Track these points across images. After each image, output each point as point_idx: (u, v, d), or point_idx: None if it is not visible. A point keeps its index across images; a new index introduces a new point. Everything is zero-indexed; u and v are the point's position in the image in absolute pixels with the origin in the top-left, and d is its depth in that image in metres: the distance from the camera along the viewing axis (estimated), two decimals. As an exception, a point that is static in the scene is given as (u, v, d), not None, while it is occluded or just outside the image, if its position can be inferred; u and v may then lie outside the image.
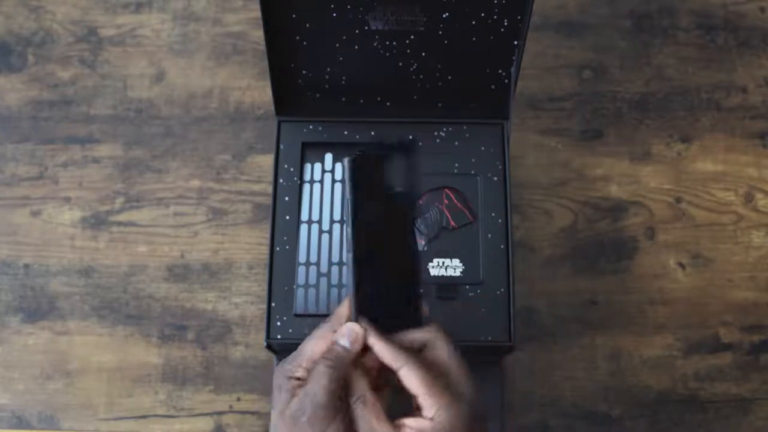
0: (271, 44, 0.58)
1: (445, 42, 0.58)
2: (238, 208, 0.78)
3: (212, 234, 0.78)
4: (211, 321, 0.75)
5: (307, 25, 0.57)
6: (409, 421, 0.44)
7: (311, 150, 0.63)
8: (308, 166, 0.63)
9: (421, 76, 0.61)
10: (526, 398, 0.72)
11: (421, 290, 0.48)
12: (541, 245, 0.77)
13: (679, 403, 0.73)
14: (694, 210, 0.78)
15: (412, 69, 0.60)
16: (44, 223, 0.78)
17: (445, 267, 0.60)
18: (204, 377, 0.73)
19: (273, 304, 0.59)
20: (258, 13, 0.55)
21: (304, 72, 0.61)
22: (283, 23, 0.56)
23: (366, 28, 0.57)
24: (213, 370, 0.74)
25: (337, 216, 0.61)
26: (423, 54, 0.59)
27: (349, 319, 0.47)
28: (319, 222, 0.61)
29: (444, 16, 0.56)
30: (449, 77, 0.61)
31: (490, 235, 0.60)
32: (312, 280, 0.60)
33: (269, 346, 0.59)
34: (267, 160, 0.80)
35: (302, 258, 0.60)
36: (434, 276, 0.60)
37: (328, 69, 0.61)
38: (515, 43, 0.58)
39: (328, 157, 0.63)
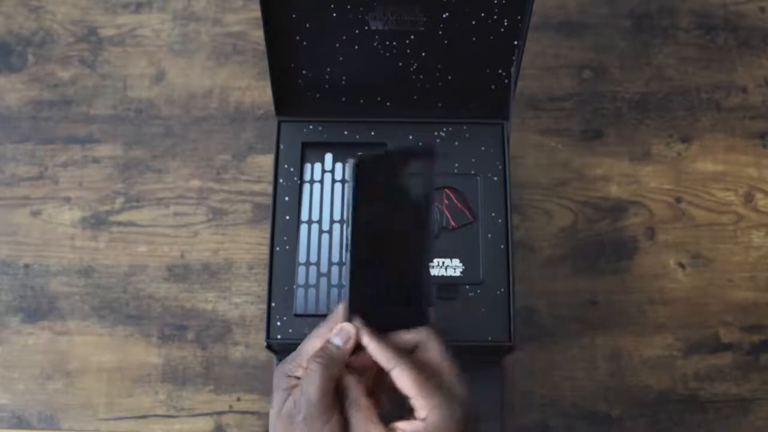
0: (271, 44, 0.58)
1: (445, 42, 0.58)
2: (238, 208, 0.78)
3: (212, 234, 0.78)
4: (211, 321, 0.75)
5: (307, 25, 0.57)
6: (402, 425, 0.44)
7: (311, 150, 0.63)
8: (308, 166, 0.63)
9: (421, 76, 0.61)
10: (526, 398, 0.72)
11: (427, 293, 0.48)
12: (541, 245, 0.77)
13: (679, 403, 0.73)
14: (694, 210, 0.78)
15: (412, 69, 0.60)
16: (44, 223, 0.78)
17: (445, 267, 0.60)
18: (204, 377, 0.73)
19: (273, 304, 0.59)
20: (258, 13, 0.55)
21: (304, 72, 0.61)
22: (283, 23, 0.56)
23: (366, 28, 0.57)
24: (213, 370, 0.74)
25: (337, 216, 0.61)
26: (423, 54, 0.59)
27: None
28: (319, 222, 0.61)
29: (444, 16, 0.56)
30: (449, 77, 0.61)
31: (490, 235, 0.60)
32: (312, 280, 0.60)
33: (269, 346, 0.59)
34: (267, 160, 0.80)
35: (302, 258, 0.60)
36: (434, 276, 0.60)
37: (328, 69, 0.61)
38: (515, 43, 0.58)
39: (328, 157, 0.63)
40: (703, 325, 0.75)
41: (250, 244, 0.77)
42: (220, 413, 0.73)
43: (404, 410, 0.45)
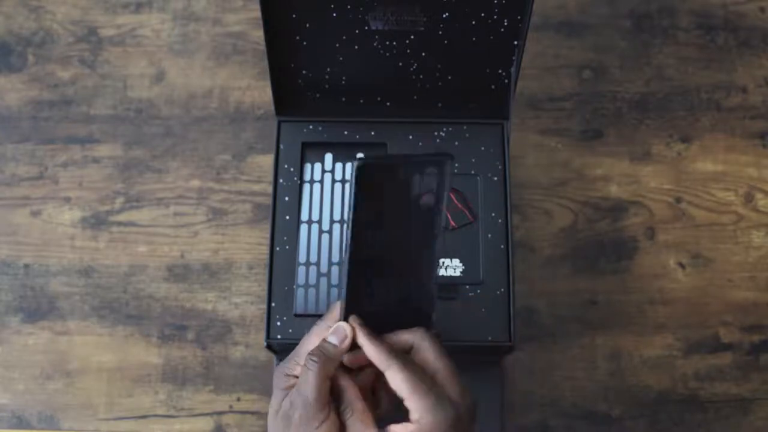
0: (271, 44, 0.58)
1: (445, 42, 0.58)
2: (238, 208, 0.78)
3: (212, 234, 0.78)
4: (211, 321, 0.75)
5: (307, 25, 0.57)
6: (396, 428, 0.44)
7: (311, 150, 0.63)
8: (308, 166, 0.63)
9: (421, 76, 0.61)
10: (526, 398, 0.72)
11: (429, 297, 0.48)
12: (541, 245, 0.77)
13: (679, 403, 0.73)
14: (694, 210, 0.78)
15: (412, 69, 0.60)
16: (44, 223, 0.78)
17: (445, 267, 0.60)
18: (204, 377, 0.73)
19: (273, 304, 0.59)
20: (258, 13, 0.55)
21: (304, 72, 0.61)
22: (283, 23, 0.56)
23: (366, 28, 0.57)
24: (213, 370, 0.74)
25: (337, 216, 0.61)
26: (423, 54, 0.59)
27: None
28: (319, 222, 0.61)
29: (444, 16, 0.56)
30: (449, 77, 0.61)
31: (490, 235, 0.60)
32: (312, 280, 0.60)
33: (269, 346, 0.59)
34: (267, 160, 0.80)
35: (302, 258, 0.60)
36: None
37: (328, 69, 0.61)
38: (515, 43, 0.58)
39: (328, 157, 0.63)
40: (703, 325, 0.75)
41: (250, 244, 0.77)
42: (220, 413, 0.73)
43: (403, 410, 0.45)
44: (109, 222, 0.78)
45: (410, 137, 0.63)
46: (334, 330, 0.47)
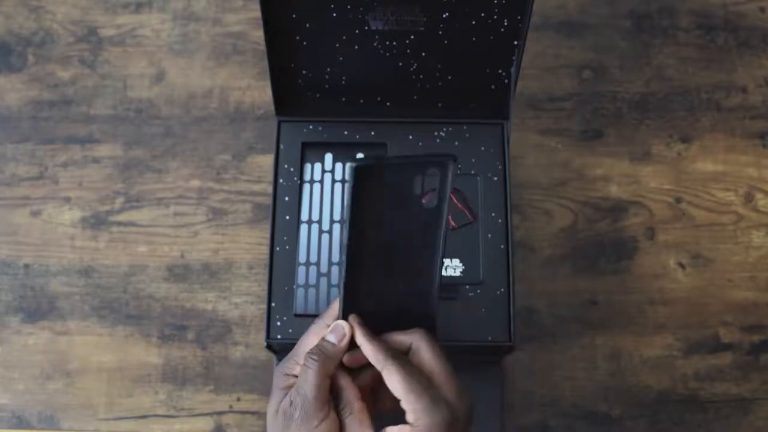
0: (271, 44, 0.58)
1: (445, 42, 0.58)
2: (238, 208, 0.78)
3: (212, 234, 0.78)
4: (211, 321, 0.75)
5: (307, 25, 0.57)
6: (392, 429, 0.44)
7: (311, 150, 0.63)
8: (308, 166, 0.63)
9: (421, 76, 0.61)
10: (526, 398, 0.72)
11: (429, 299, 0.48)
12: (541, 245, 0.77)
13: (679, 403, 0.73)
14: (694, 210, 0.78)
15: (412, 69, 0.60)
16: (44, 223, 0.78)
17: (445, 267, 0.60)
18: (204, 377, 0.73)
19: (273, 304, 0.59)
20: (258, 13, 0.55)
21: (304, 72, 0.61)
22: (283, 23, 0.56)
23: (366, 28, 0.57)
24: (213, 370, 0.74)
25: (337, 216, 0.61)
26: (423, 54, 0.59)
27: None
28: (319, 222, 0.61)
29: (444, 16, 0.56)
30: (449, 77, 0.61)
31: (490, 235, 0.60)
32: (312, 280, 0.60)
33: (269, 346, 0.59)
34: (267, 160, 0.80)
35: (302, 258, 0.60)
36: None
37: (328, 69, 0.61)
38: (515, 43, 0.58)
39: (328, 157, 0.63)
40: (703, 325, 0.75)
41: (250, 244, 0.77)
42: (220, 413, 0.73)
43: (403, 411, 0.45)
44: (109, 222, 0.78)
45: (410, 137, 0.63)
46: (332, 328, 0.47)
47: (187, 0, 0.86)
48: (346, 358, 0.47)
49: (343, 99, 0.63)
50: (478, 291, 0.59)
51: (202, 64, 0.83)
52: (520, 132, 0.80)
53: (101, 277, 0.76)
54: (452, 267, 0.60)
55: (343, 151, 0.63)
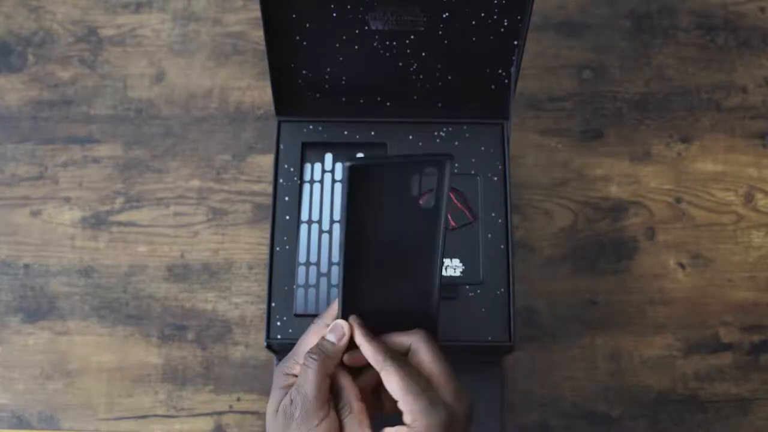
0: (271, 44, 0.58)
1: (445, 42, 0.58)
2: (238, 208, 0.78)
3: (212, 234, 0.78)
4: (211, 321, 0.75)
5: (307, 25, 0.57)
6: (390, 430, 0.44)
7: (311, 150, 0.63)
8: (308, 166, 0.63)
9: (421, 76, 0.61)
10: (526, 398, 0.72)
11: (434, 296, 0.48)
12: (541, 245, 0.77)
13: (679, 403, 0.73)
14: (694, 210, 0.78)
15: (412, 69, 0.60)
16: (44, 223, 0.78)
17: (445, 267, 0.60)
18: (204, 377, 0.73)
19: (273, 304, 0.59)
20: (258, 13, 0.55)
21: (304, 72, 0.61)
22: (283, 23, 0.56)
23: (366, 28, 0.57)
24: (213, 370, 0.74)
25: (337, 216, 0.61)
26: (423, 54, 0.59)
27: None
28: (319, 222, 0.61)
29: (444, 16, 0.56)
30: (449, 77, 0.61)
31: (490, 235, 0.60)
32: (312, 280, 0.60)
33: (269, 346, 0.59)
34: (267, 160, 0.80)
35: (302, 258, 0.60)
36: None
37: (328, 69, 0.61)
38: (515, 43, 0.58)
39: (328, 157, 0.63)
40: (703, 325, 0.75)
41: (250, 244, 0.77)
42: (220, 413, 0.73)
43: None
44: (109, 222, 0.78)
45: (410, 137, 0.63)
46: (332, 328, 0.47)
47: (187, 0, 0.86)
48: (346, 358, 0.47)
49: (343, 99, 0.63)
50: (478, 291, 0.59)
51: (202, 64, 0.83)
52: (520, 132, 0.80)
53: (101, 277, 0.76)
54: (452, 267, 0.60)
55: (343, 151, 0.63)
